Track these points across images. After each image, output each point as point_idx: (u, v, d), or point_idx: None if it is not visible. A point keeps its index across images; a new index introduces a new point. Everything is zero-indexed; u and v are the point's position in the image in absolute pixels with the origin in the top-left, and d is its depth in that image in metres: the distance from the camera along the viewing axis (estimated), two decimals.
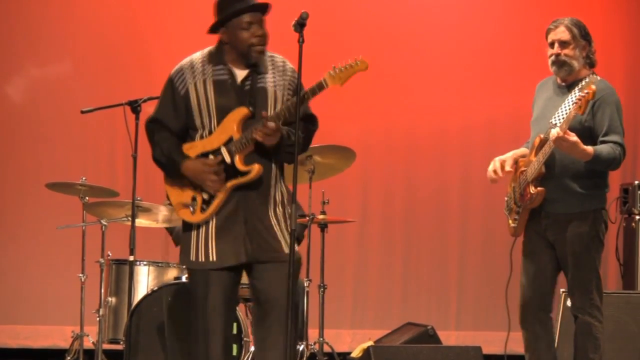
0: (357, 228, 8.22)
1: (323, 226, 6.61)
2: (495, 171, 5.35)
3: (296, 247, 4.36)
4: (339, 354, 6.97)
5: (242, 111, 4.47)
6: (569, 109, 5.10)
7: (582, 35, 5.25)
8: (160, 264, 6.45)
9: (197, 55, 4.58)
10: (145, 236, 7.30)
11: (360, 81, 4.58)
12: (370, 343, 6.34)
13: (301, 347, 6.35)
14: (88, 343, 6.77)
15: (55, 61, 8.20)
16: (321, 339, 6.57)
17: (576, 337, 5.25)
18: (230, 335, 4.68)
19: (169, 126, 4.56)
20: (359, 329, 8.23)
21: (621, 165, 5.26)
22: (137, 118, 5.59)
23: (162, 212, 6.35)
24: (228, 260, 4.49)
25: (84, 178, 6.61)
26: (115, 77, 8.04)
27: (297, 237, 4.74)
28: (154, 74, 7.08)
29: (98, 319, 6.47)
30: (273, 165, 4.55)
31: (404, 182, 8.44)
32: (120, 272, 6.48)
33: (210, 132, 4.51)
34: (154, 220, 6.52)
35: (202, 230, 4.52)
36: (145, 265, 6.42)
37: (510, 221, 5.39)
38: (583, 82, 5.23)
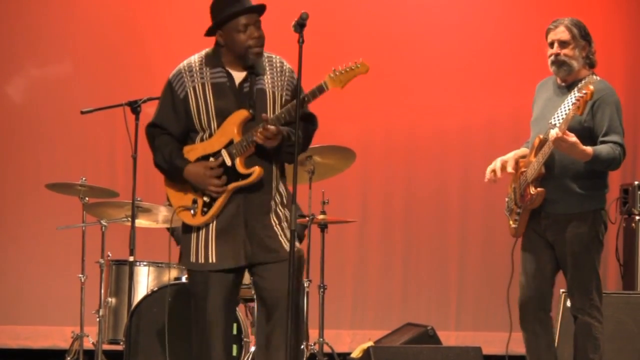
0: (357, 228, 8.22)
1: (323, 226, 6.61)
2: (494, 171, 5.34)
3: (298, 245, 4.36)
4: (339, 355, 6.97)
5: (242, 114, 4.47)
6: (568, 109, 5.10)
7: (581, 35, 5.25)
8: (160, 265, 6.45)
9: (195, 58, 4.58)
10: (145, 237, 7.29)
11: (360, 81, 4.57)
12: (370, 343, 6.34)
13: (301, 347, 6.34)
14: (88, 343, 6.77)
15: (55, 61, 8.20)
16: (321, 339, 6.57)
17: (576, 338, 5.25)
18: (230, 335, 4.69)
19: (169, 130, 4.56)
20: (358, 329, 8.22)
21: (621, 166, 5.25)
22: (137, 118, 5.59)
23: (162, 212, 6.35)
24: (227, 262, 4.50)
25: (83, 178, 6.61)
26: (115, 78, 8.04)
27: (297, 235, 4.74)
28: (154, 74, 7.07)
29: (98, 319, 6.47)
30: (274, 167, 4.55)
31: (404, 182, 8.44)
32: (120, 273, 6.49)
33: (210, 135, 4.51)
34: (154, 220, 6.52)
35: (202, 232, 4.53)
36: (145, 265, 6.42)
37: (510, 222, 5.38)
38: (582, 83, 5.22)
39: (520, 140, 5.60)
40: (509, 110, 8.23)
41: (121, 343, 6.38)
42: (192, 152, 4.53)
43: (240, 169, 4.46)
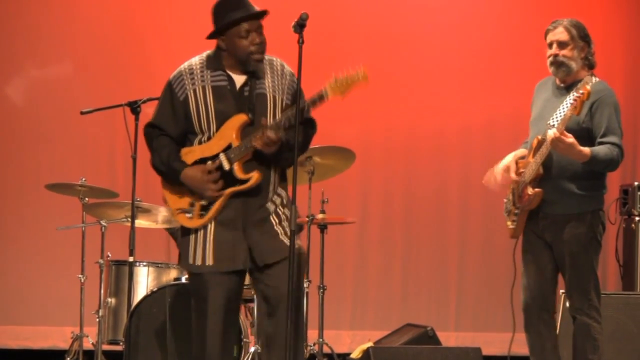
0: (356, 229, 8.21)
1: (323, 227, 6.61)
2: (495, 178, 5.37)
3: (299, 242, 4.36)
4: (339, 355, 6.97)
5: (241, 118, 4.47)
6: (567, 110, 5.09)
7: (580, 36, 5.24)
8: (159, 265, 6.45)
9: (196, 60, 4.58)
10: (144, 237, 7.30)
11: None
12: (370, 344, 6.34)
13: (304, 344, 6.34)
14: (88, 344, 6.77)
15: (55, 62, 8.19)
16: (321, 339, 6.57)
17: (575, 338, 5.24)
18: (230, 338, 4.68)
19: (167, 131, 4.56)
20: (358, 330, 8.22)
21: (621, 166, 5.25)
22: (136, 119, 5.58)
23: (162, 213, 6.35)
24: (224, 265, 4.51)
25: (83, 179, 6.61)
26: (115, 78, 8.03)
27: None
28: (154, 75, 7.08)
29: (98, 319, 6.47)
30: (273, 172, 4.55)
31: (403, 183, 8.44)
32: (120, 273, 6.49)
33: (209, 138, 4.51)
34: (154, 221, 6.52)
35: (201, 234, 4.53)
36: (144, 266, 6.42)
37: (509, 222, 5.38)
38: (580, 83, 5.22)
39: (520, 141, 5.60)
40: (509, 110, 8.23)
41: (121, 343, 6.38)
42: (190, 154, 4.53)
43: (239, 174, 4.46)
